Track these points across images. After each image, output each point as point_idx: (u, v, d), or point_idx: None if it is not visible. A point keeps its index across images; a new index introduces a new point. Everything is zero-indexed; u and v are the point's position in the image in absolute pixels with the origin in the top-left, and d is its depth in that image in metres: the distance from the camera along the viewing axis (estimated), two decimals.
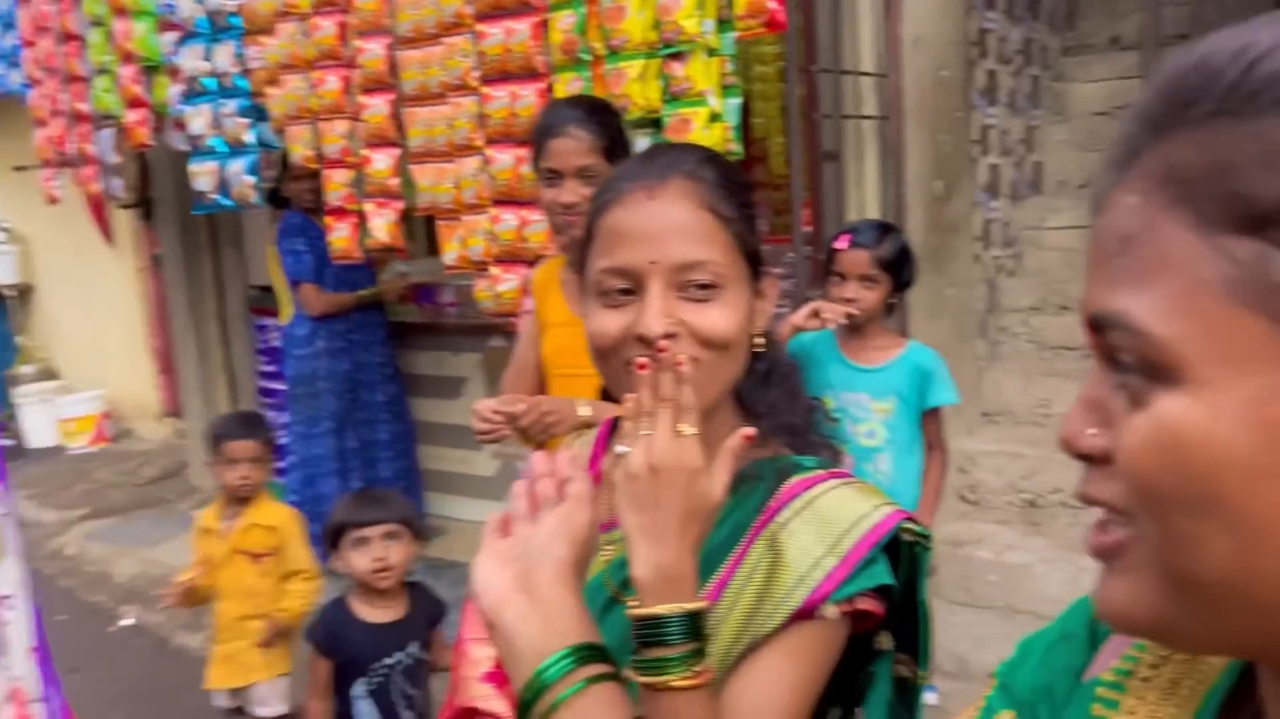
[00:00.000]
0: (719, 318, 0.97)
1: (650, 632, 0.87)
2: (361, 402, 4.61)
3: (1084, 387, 0.51)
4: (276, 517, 2.96)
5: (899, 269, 2.49)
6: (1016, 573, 3.42)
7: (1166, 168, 0.45)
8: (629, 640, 0.90)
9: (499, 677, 1.08)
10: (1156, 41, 3.03)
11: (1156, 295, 0.45)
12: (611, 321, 0.98)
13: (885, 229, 2.53)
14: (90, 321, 7.25)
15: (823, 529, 0.96)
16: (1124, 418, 0.47)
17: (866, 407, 2.50)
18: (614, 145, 2.10)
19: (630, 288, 0.98)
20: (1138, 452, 0.46)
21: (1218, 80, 0.44)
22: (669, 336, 0.95)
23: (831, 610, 0.94)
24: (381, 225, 3.66)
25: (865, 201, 3.44)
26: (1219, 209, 0.43)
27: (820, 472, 1.02)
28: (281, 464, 5.54)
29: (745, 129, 4.39)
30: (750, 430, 0.94)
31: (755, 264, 1.03)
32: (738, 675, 0.94)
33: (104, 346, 7.35)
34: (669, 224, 0.97)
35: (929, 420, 2.54)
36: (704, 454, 0.90)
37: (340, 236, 3.81)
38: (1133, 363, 0.46)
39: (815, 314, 2.40)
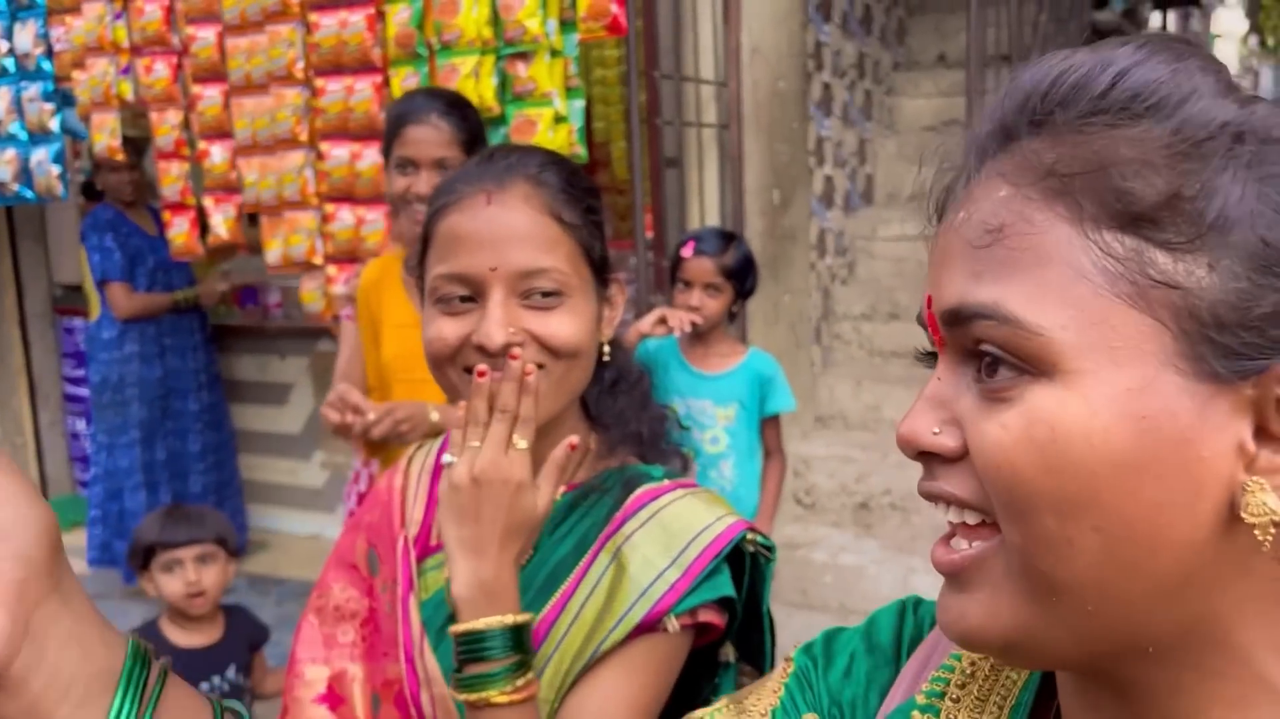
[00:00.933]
0: (563, 326, 0.95)
1: (470, 647, 0.87)
2: (173, 410, 4.33)
3: (927, 385, 0.50)
4: None
5: (742, 277, 2.50)
6: (850, 574, 3.52)
7: (1040, 165, 0.46)
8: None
9: (334, 698, 1.02)
10: (980, 60, 3.17)
11: (1031, 285, 0.45)
12: (450, 329, 0.95)
13: (729, 238, 2.54)
14: None
15: (666, 541, 0.95)
16: (978, 415, 0.46)
17: (710, 413, 2.51)
18: (474, 141, 2.03)
19: (470, 295, 0.94)
20: (1006, 449, 0.44)
21: (1087, 89, 0.46)
22: (511, 346, 0.92)
23: (673, 623, 0.93)
24: (222, 221, 3.46)
25: (706, 209, 3.46)
26: (1099, 205, 0.44)
27: (667, 482, 1.01)
28: (84, 477, 5.18)
29: (588, 133, 4.36)
30: (574, 439, 0.93)
31: (601, 271, 1.00)
32: (576, 691, 0.92)
33: None
34: (510, 230, 0.94)
35: (768, 426, 2.57)
36: (531, 468, 0.90)
37: (180, 233, 3.58)
38: (999, 355, 0.45)
39: (661, 321, 2.40)
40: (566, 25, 2.86)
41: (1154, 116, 0.45)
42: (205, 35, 3.35)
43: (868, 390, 4.13)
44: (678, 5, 3.29)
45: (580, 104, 2.94)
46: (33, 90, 3.76)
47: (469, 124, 2.01)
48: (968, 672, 0.60)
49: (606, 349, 1.01)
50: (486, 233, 0.93)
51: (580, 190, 1.00)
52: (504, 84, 2.90)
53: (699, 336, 2.50)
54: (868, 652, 0.67)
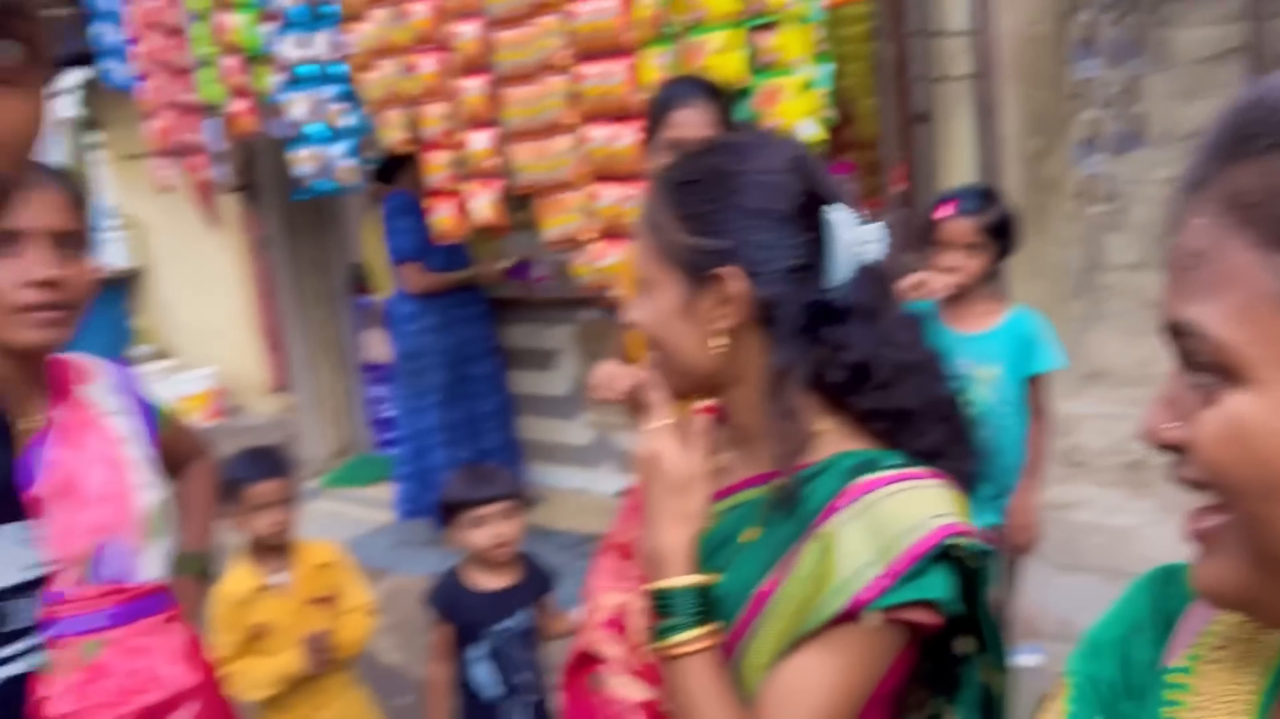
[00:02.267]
0: (640, 313, 1.08)
1: (653, 605, 1.02)
2: (466, 375, 4.74)
3: (1163, 384, 0.58)
4: (326, 553, 2.66)
5: (1003, 235, 2.46)
6: (1121, 535, 3.38)
7: (1232, 193, 0.51)
8: None
9: (616, 624, 1.14)
10: None
11: (1222, 306, 0.51)
12: None
13: (988, 195, 2.50)
14: (200, 302, 7.54)
15: (874, 535, 0.96)
16: (1194, 414, 0.54)
17: (970, 374, 2.50)
18: (727, 122, 2.16)
19: None
20: (1209, 443, 0.52)
21: (1276, 117, 0.50)
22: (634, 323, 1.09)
23: (871, 618, 0.94)
24: (485, 205, 3.75)
25: (959, 162, 3.39)
26: (1277, 229, 0.49)
27: (894, 472, 0.99)
28: (382, 438, 5.75)
29: (835, 88, 4.35)
30: (704, 405, 1.08)
31: (693, 265, 1.03)
32: (779, 667, 0.97)
33: (214, 326, 7.66)
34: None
35: (1033, 386, 2.52)
36: (673, 441, 1.04)
37: (443, 217, 3.91)
38: (1206, 365, 0.53)
39: (920, 285, 2.40)
40: None
41: None
42: (468, 30, 3.61)
43: (1140, 344, 3.91)
44: None
45: (828, 69, 2.96)
46: (329, 92, 4.21)
47: (725, 107, 2.13)
48: (1230, 635, 0.64)
49: (713, 343, 1.03)
50: None
51: (673, 190, 1.07)
52: (750, 55, 2.96)
53: (959, 297, 2.49)
54: (1134, 632, 0.70)
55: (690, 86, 2.17)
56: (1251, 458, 0.51)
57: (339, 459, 6.18)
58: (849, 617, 0.94)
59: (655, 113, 2.16)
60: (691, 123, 2.09)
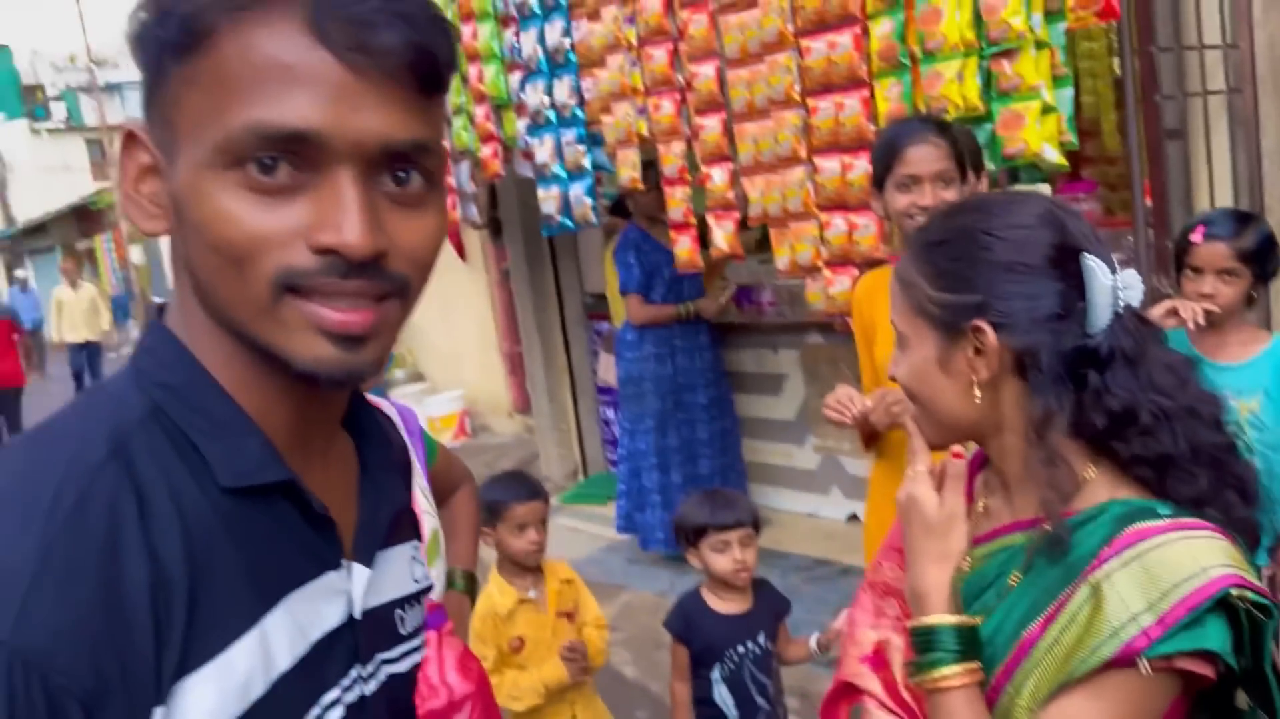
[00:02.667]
0: (899, 368, 1.15)
1: (914, 640, 1.09)
2: (683, 403, 4.89)
3: None
4: (565, 570, 2.80)
5: (1262, 261, 2.33)
6: None
7: None
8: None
9: (877, 661, 1.20)
10: None
11: None
12: None
13: (1245, 218, 2.38)
14: (449, 330, 8.13)
15: (1146, 584, 0.96)
16: None
17: (1229, 406, 2.37)
18: (962, 155, 2.20)
19: None
20: None
21: None
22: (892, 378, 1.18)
23: (1145, 665, 0.94)
24: (722, 235, 3.89)
25: (1216, 180, 3.21)
26: None
27: (1166, 522, 1.00)
28: (614, 457, 6.00)
29: (1076, 109, 4.21)
30: (958, 449, 1.12)
31: (948, 320, 1.09)
32: (1046, 709, 0.99)
33: (461, 351, 8.23)
34: (890, 286, 1.18)
35: None
36: (931, 487, 1.10)
37: (683, 249, 4.09)
38: None
39: (1172, 313, 2.31)
40: (1052, 16, 2.84)
41: None
42: (705, 71, 3.77)
43: None
44: None
45: (1068, 92, 2.90)
46: (569, 135, 4.48)
47: (957, 141, 2.15)
48: None
49: (977, 394, 1.08)
50: None
51: (928, 248, 1.13)
52: (988, 82, 2.94)
53: (1212, 325, 2.37)
54: None
55: (920, 124, 2.21)
56: None
57: (575, 477, 6.48)
58: (1120, 664, 0.95)
59: (885, 153, 2.21)
60: (926, 158, 2.13)
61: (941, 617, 1.06)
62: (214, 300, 0.70)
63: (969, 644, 1.05)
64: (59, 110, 31.74)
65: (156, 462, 0.67)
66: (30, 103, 31.20)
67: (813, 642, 2.57)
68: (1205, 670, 0.96)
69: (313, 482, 0.75)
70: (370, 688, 0.80)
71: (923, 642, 1.07)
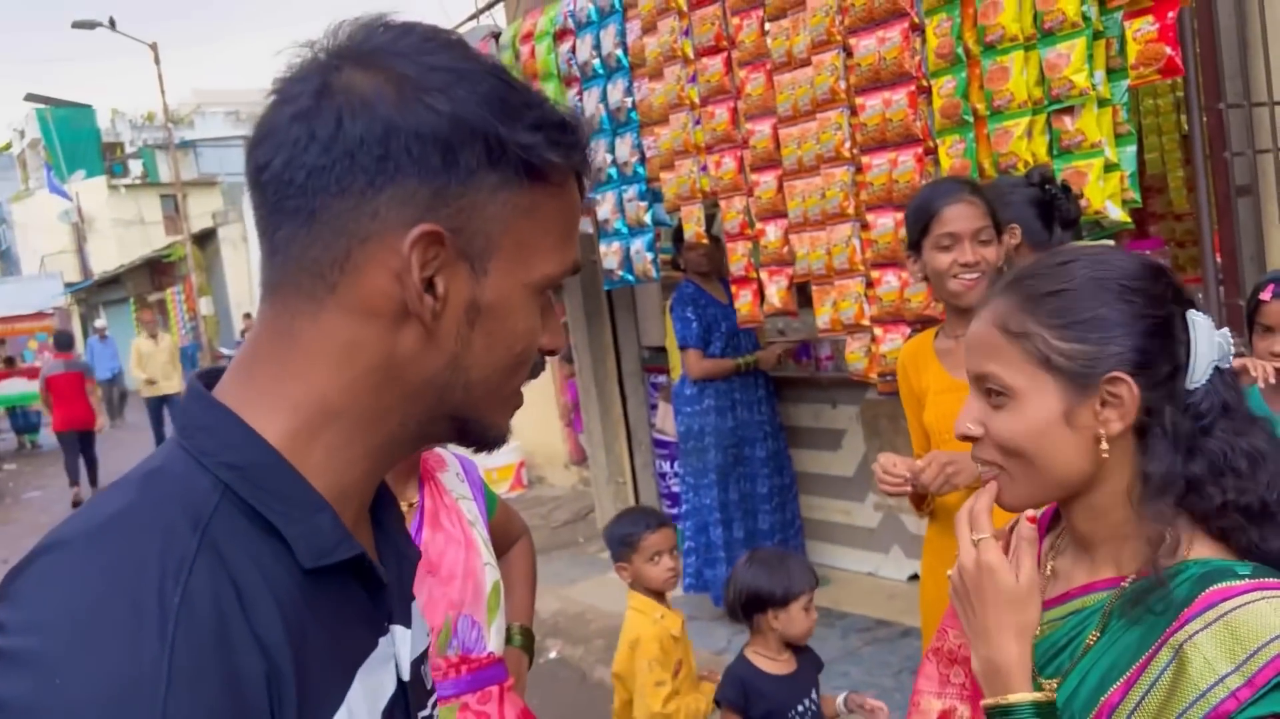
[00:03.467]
0: (1005, 424, 1.06)
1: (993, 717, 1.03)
2: (744, 457, 4.86)
3: None
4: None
5: None
6: None
7: None
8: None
9: None
10: None
11: None
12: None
13: None
14: None
15: (1232, 645, 0.95)
16: None
17: None
18: (995, 214, 2.24)
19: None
20: None
21: None
22: (969, 437, 1.10)
23: None
24: (775, 291, 3.90)
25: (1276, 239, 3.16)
26: None
27: (1247, 582, 0.99)
28: (671, 511, 5.97)
29: (1139, 163, 4.18)
30: (1032, 513, 1.06)
31: (1082, 372, 1.04)
32: None
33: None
34: (976, 337, 1.11)
35: None
36: (1003, 554, 1.05)
37: (744, 303, 4.10)
38: None
39: (1244, 371, 2.27)
40: (1114, 73, 2.84)
41: None
42: (762, 129, 3.81)
43: None
44: (1243, 26, 3.07)
45: (1131, 150, 2.88)
46: (630, 192, 4.54)
47: (990, 200, 2.18)
48: None
49: (1105, 447, 1.04)
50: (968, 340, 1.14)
51: (1030, 298, 1.08)
52: (1052, 138, 2.94)
53: None
54: None
55: (953, 184, 2.25)
56: None
57: None
58: None
59: (921, 214, 2.24)
60: (964, 216, 2.14)
61: (1024, 694, 1.02)
62: (470, 388, 0.76)
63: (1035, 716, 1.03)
64: (135, 167, 32.90)
65: (242, 547, 0.67)
66: (109, 159, 32.41)
67: (840, 700, 2.56)
68: None
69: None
70: None
71: None
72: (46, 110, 27.88)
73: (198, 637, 0.61)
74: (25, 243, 33.24)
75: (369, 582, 0.75)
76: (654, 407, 6.21)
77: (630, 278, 4.63)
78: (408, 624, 0.82)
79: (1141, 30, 2.71)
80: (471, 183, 0.71)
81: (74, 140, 27.56)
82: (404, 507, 1.67)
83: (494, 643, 1.68)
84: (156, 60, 20.20)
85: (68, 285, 26.59)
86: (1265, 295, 2.33)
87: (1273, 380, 2.26)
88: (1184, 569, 1.03)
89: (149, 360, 12.30)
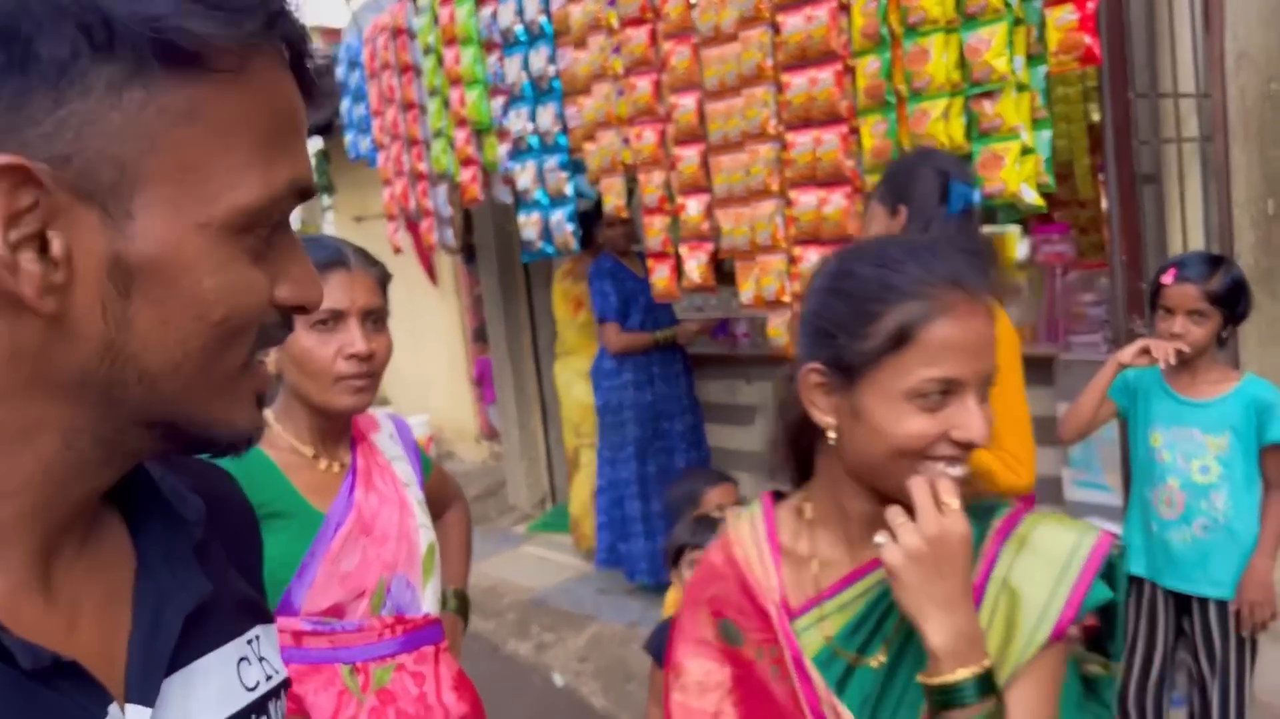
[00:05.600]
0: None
1: (950, 695, 1.00)
2: (662, 431, 4.89)
3: None
4: None
5: (1232, 303, 2.40)
6: None
7: None
8: (868, 701, 1.07)
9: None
10: None
11: None
12: (931, 425, 1.04)
13: (1215, 261, 2.45)
14: (418, 355, 8.07)
15: (1049, 563, 1.07)
16: None
17: (1199, 441, 2.43)
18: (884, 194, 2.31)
19: (944, 393, 1.04)
20: None
21: None
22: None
23: (1074, 631, 1.06)
24: (695, 267, 3.91)
25: (1188, 225, 3.30)
26: None
27: (1010, 509, 1.13)
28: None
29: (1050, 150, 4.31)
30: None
31: None
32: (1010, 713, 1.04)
33: (429, 377, 8.18)
34: (989, 339, 1.07)
35: (1269, 456, 2.42)
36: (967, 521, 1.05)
37: (661, 278, 4.10)
38: None
39: (1144, 351, 2.37)
40: (1034, 59, 2.91)
41: None
42: (686, 103, 3.81)
43: None
44: (1152, 19, 3.19)
45: (1047, 134, 2.97)
46: (551, 162, 4.49)
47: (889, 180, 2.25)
48: None
49: None
50: (975, 342, 1.05)
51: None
52: (971, 122, 3.00)
53: (1185, 363, 2.43)
54: None
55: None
56: None
57: (544, 506, 6.44)
58: (1053, 641, 1.05)
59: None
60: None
61: (976, 667, 1.01)
62: (152, 381, 0.56)
63: (995, 689, 1.03)
64: None
65: None
66: None
67: None
68: (1096, 621, 1.12)
69: (53, 612, 0.57)
70: None
71: (950, 698, 1.01)
72: None
73: None
74: None
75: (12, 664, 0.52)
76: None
77: (550, 249, 4.59)
78: (150, 701, 0.59)
79: (1062, 19, 2.78)
80: (68, 85, 0.50)
81: None
82: (335, 468, 1.63)
83: (429, 604, 1.66)
84: None
85: None
86: (1166, 279, 2.44)
87: (1172, 361, 2.36)
88: (973, 509, 1.11)
89: None
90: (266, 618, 0.72)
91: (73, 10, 0.49)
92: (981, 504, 1.13)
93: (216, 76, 0.53)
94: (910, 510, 1.04)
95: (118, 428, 0.56)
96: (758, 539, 1.18)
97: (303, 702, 1.47)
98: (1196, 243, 3.25)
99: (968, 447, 1.05)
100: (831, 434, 1.09)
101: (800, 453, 1.18)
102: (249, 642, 0.68)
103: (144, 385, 0.55)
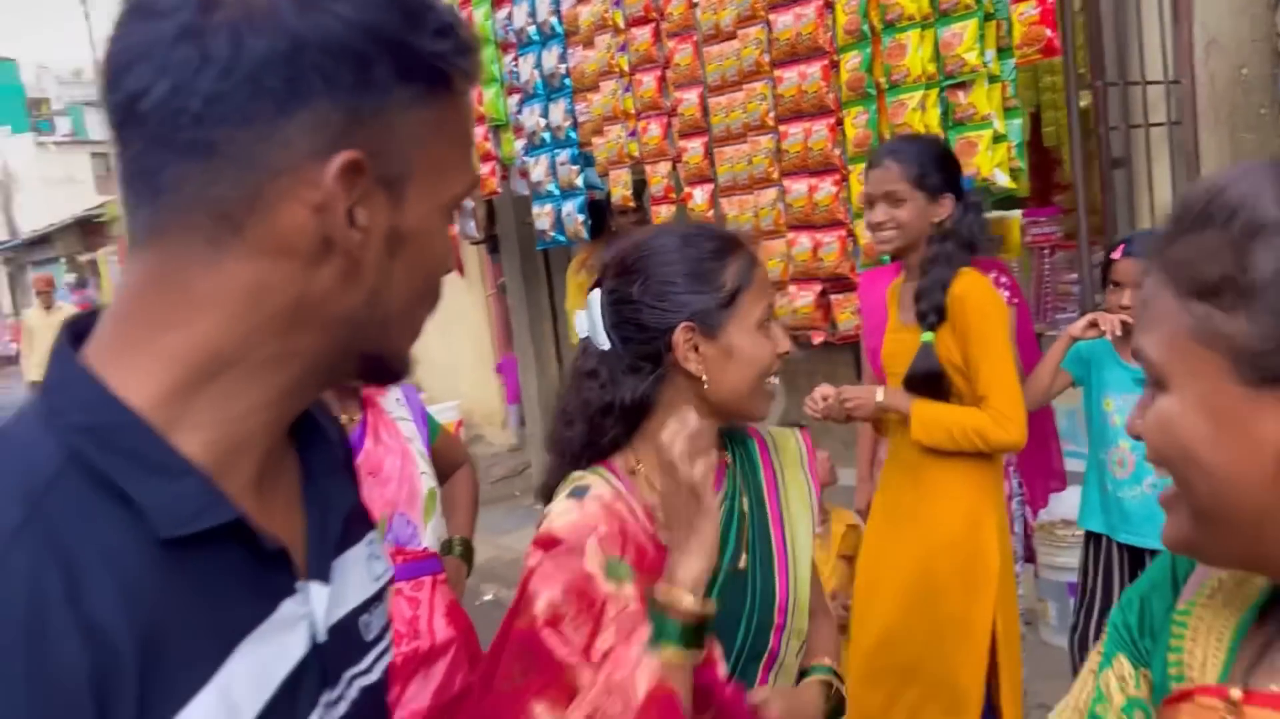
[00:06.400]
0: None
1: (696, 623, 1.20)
2: None
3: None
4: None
5: None
6: None
7: (1167, 259, 0.76)
8: (738, 599, 1.34)
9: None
10: None
11: (1155, 335, 0.75)
12: (773, 345, 1.36)
13: None
14: (446, 342, 8.36)
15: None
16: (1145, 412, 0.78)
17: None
18: (923, 175, 2.39)
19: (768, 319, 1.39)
20: (1148, 432, 0.77)
21: (1191, 210, 0.75)
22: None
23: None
24: None
25: (1157, 206, 3.47)
26: (1186, 283, 0.73)
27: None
28: None
29: (1037, 136, 4.48)
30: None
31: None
32: None
33: (457, 364, 8.46)
34: None
35: None
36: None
37: None
38: (1151, 377, 0.77)
39: (1093, 325, 2.56)
40: (1004, 52, 3.11)
41: (1221, 223, 0.71)
42: (689, 97, 4.03)
43: None
44: (1120, 8, 3.36)
45: (1018, 122, 3.16)
46: (563, 155, 4.73)
47: (913, 164, 2.38)
48: (1217, 584, 0.87)
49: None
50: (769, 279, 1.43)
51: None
52: (946, 111, 3.20)
53: (1131, 333, 2.61)
54: (1153, 588, 0.93)
55: (883, 149, 2.50)
56: (1171, 440, 0.74)
57: None
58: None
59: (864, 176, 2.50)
60: (876, 180, 2.39)
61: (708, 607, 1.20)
62: (386, 323, 0.71)
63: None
64: (64, 124, 32.09)
65: (82, 519, 0.59)
66: (35, 116, 31.55)
67: None
68: None
69: (263, 507, 0.69)
70: (341, 710, 0.75)
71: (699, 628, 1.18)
72: None
73: (5, 634, 0.55)
74: None
75: (256, 548, 0.67)
76: None
77: (562, 238, 4.84)
78: (327, 579, 0.73)
79: (1025, 14, 2.98)
80: (386, 100, 0.66)
81: None
82: (345, 420, 1.88)
83: (429, 541, 1.91)
84: (86, 15, 19.74)
85: None
86: (1116, 255, 2.62)
87: (1118, 332, 2.55)
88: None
89: (40, 337, 9.22)
90: (373, 525, 0.88)
91: (396, 48, 0.65)
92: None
93: (453, 98, 0.70)
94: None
95: (344, 357, 0.71)
96: (622, 492, 1.31)
97: None
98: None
99: (783, 357, 1.34)
100: (705, 380, 1.30)
101: (626, 424, 1.34)
102: (369, 542, 0.84)
103: (380, 324, 0.71)
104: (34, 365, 8.73)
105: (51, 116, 32.44)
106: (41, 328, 9.04)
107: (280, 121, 0.62)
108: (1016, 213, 4.77)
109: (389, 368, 0.74)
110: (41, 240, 26.26)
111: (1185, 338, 0.72)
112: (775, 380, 1.33)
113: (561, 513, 1.26)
